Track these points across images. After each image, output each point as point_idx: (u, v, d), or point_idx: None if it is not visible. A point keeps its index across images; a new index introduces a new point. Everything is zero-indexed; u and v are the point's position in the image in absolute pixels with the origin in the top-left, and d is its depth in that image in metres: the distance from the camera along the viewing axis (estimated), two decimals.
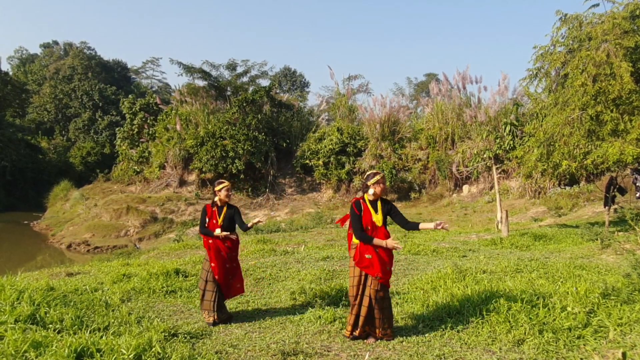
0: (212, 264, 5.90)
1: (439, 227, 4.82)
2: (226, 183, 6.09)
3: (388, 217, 5.13)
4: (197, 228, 21.65)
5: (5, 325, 4.65)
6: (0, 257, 21.07)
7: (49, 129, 50.31)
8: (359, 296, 5.01)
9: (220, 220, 5.94)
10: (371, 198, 5.07)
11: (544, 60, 12.18)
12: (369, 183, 5.06)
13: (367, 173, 5.16)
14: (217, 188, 6.09)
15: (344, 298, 6.48)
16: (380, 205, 5.07)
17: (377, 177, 5.04)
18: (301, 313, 5.99)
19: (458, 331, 5.18)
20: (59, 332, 4.68)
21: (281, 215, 25.19)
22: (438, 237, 13.34)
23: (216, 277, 5.87)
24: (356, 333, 5.07)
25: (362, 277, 5.00)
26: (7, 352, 3.92)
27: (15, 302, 5.35)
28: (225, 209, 6.02)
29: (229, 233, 5.90)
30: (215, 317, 5.80)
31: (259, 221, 6.10)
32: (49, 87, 50.97)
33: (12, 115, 46.26)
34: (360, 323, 5.02)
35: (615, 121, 10.55)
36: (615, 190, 12.69)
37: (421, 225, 4.99)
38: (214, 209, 6.05)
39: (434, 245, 11.19)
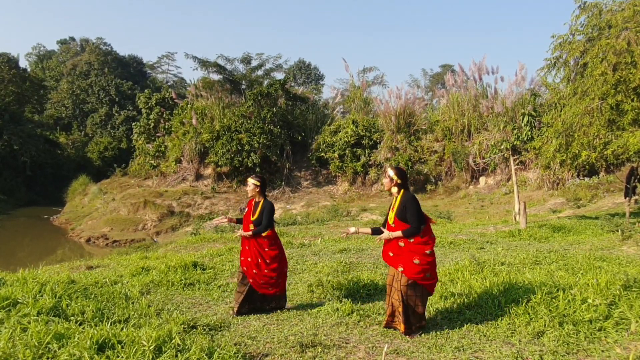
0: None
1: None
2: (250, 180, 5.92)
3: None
4: (214, 221, 21.85)
5: (29, 317, 4.73)
6: (21, 251, 21.49)
7: (67, 124, 50.89)
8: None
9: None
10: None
11: (562, 50, 12.01)
12: None
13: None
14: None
15: (361, 290, 6.49)
16: (397, 200, 5.00)
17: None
18: (319, 305, 6.00)
19: (477, 323, 5.15)
20: (80, 324, 4.74)
21: (297, 208, 25.23)
22: (455, 229, 13.26)
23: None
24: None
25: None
26: (31, 344, 3.98)
27: (38, 295, 5.44)
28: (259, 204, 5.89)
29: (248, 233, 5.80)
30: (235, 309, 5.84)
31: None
32: (67, 83, 51.47)
33: (31, 112, 46.84)
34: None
35: (636, 110, 10.38)
36: (636, 180, 12.51)
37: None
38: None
39: (451, 237, 11.12)
